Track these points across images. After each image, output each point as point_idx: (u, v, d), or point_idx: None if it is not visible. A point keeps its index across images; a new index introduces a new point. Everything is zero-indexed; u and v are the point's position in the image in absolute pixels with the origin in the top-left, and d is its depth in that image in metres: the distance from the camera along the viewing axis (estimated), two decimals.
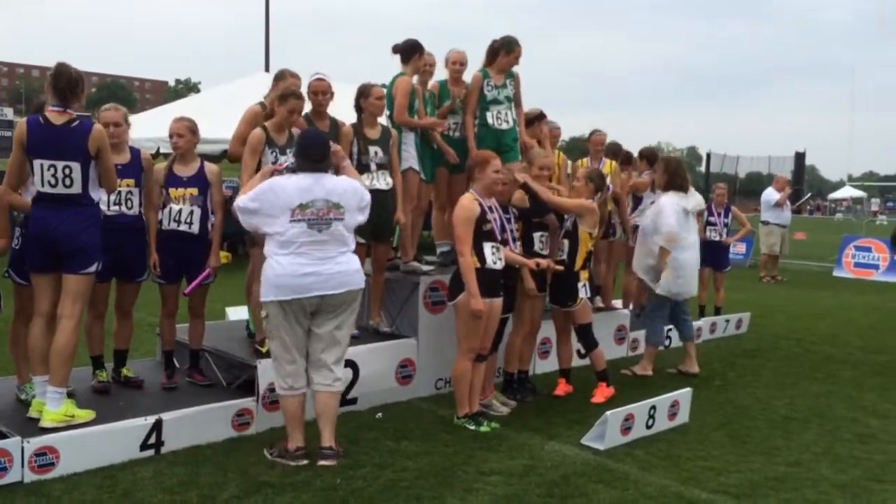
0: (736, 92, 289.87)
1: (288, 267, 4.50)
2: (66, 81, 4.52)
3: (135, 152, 5.32)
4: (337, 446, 4.75)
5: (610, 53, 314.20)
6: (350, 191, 4.69)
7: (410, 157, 6.37)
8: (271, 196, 4.52)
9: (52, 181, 4.49)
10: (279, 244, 4.53)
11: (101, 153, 4.59)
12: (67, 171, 4.48)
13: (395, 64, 6.52)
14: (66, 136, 4.48)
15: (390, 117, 6.35)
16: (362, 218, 4.78)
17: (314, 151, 4.64)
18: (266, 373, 5.26)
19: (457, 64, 6.80)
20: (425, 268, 6.43)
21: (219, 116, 10.87)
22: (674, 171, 7.16)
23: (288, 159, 5.10)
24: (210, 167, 5.54)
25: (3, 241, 4.73)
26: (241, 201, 4.58)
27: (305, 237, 4.51)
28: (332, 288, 4.58)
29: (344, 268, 4.63)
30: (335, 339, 4.73)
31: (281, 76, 5.86)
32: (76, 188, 4.53)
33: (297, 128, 5.41)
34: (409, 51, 6.42)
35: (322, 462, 4.64)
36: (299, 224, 4.50)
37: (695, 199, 7.14)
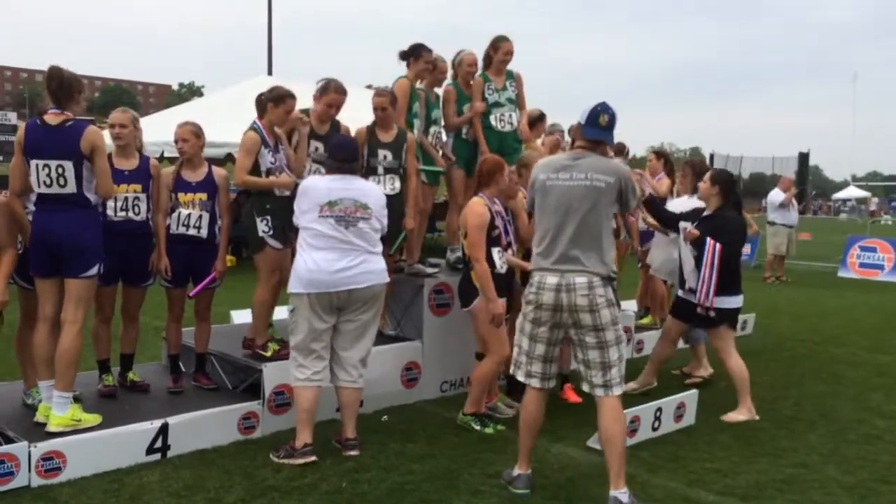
0: (738, 92, 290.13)
1: (321, 263, 4.66)
2: (57, 84, 4.56)
3: (143, 158, 5.35)
4: (358, 437, 4.96)
5: (611, 53, 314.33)
6: (377, 195, 4.95)
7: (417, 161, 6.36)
8: (303, 196, 4.77)
9: (47, 181, 4.52)
10: (312, 237, 4.69)
11: (94, 155, 4.55)
12: (60, 170, 4.50)
13: (399, 66, 6.52)
14: (58, 135, 4.51)
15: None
16: (385, 222, 4.97)
17: (341, 153, 4.89)
18: (272, 376, 5.27)
19: (473, 66, 6.77)
20: (430, 270, 6.43)
21: (222, 120, 10.91)
22: (700, 174, 6.81)
23: (278, 158, 5.41)
24: (218, 171, 5.56)
25: (13, 252, 4.74)
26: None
27: (334, 232, 4.68)
28: (359, 283, 4.74)
29: (372, 266, 4.82)
30: (360, 336, 4.93)
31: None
32: (70, 188, 4.54)
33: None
34: (408, 54, 6.42)
35: (349, 452, 4.83)
36: (328, 220, 4.68)
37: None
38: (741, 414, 5.83)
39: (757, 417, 5.82)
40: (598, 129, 4.17)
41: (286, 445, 4.78)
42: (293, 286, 4.74)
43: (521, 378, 4.43)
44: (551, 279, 4.15)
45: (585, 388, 4.31)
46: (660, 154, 8.96)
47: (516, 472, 4.43)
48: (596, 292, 4.09)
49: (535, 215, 4.38)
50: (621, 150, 8.41)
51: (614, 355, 4.18)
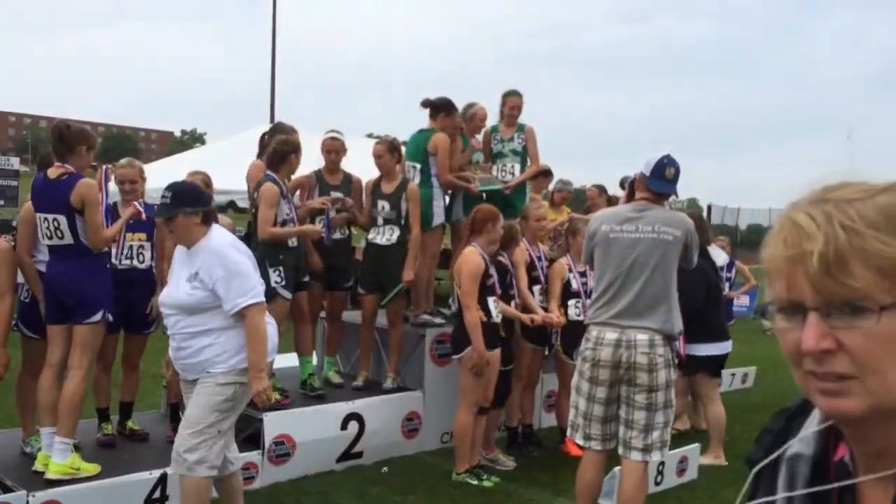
0: (735, 144, 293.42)
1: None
2: (56, 139, 4.65)
3: (148, 208, 5.38)
4: None
5: (611, 105, 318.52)
6: None
7: (442, 212, 6.42)
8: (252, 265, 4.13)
9: (48, 234, 4.60)
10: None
11: (86, 208, 4.54)
12: (56, 223, 4.56)
13: (397, 114, 6.66)
14: (53, 190, 4.57)
15: (424, 170, 6.32)
16: None
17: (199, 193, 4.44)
18: (272, 426, 5.25)
19: (483, 121, 6.87)
20: (437, 320, 6.39)
21: (224, 168, 10.97)
22: (699, 227, 6.89)
23: (292, 209, 5.50)
24: (223, 220, 5.59)
25: (11, 300, 4.75)
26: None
27: None
28: None
29: None
30: None
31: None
32: (67, 240, 4.59)
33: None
34: (439, 108, 6.41)
35: None
36: None
37: (721, 257, 7.04)
38: (707, 458, 5.92)
39: (725, 463, 5.93)
40: (664, 181, 4.11)
41: None
42: (273, 355, 4.09)
43: (579, 441, 4.23)
44: (610, 335, 4.00)
45: (620, 449, 4.09)
46: (602, 189, 8.44)
47: None
48: (657, 351, 3.96)
49: (595, 268, 4.25)
50: (610, 201, 8.45)
51: (661, 419, 4.01)
